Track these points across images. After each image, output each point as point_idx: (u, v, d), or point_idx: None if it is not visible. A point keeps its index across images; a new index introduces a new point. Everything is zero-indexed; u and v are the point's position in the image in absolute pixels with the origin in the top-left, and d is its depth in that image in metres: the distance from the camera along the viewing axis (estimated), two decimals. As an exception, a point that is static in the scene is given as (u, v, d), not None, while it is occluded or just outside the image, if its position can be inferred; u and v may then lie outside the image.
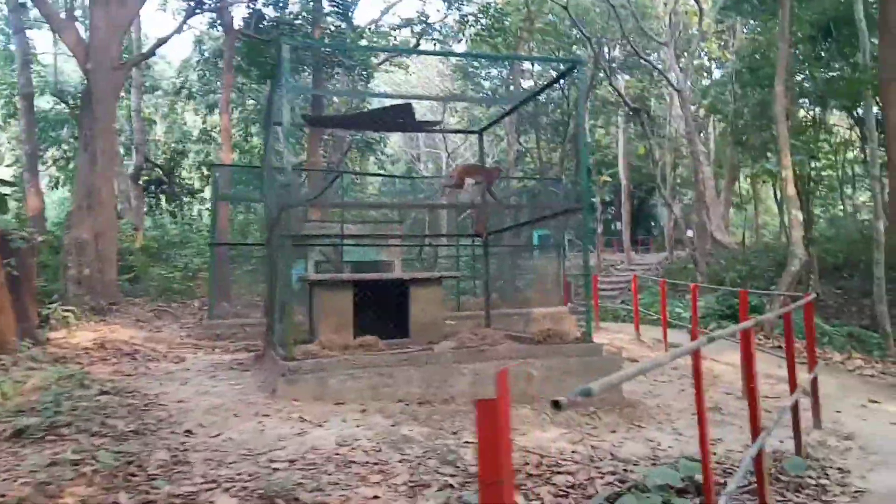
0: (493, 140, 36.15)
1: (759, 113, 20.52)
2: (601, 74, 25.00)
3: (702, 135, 30.62)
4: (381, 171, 23.14)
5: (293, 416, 5.52)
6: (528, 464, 4.85)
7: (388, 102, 8.79)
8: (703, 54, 28.75)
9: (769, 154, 20.09)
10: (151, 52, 15.18)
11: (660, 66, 26.48)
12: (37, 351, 7.51)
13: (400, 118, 8.62)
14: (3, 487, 3.62)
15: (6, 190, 10.10)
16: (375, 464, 4.48)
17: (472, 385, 6.42)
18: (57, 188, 22.70)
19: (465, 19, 19.28)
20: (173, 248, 20.98)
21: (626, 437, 6.12)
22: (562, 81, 25.73)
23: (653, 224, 48.01)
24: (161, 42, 14.56)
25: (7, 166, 21.44)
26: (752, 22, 22.86)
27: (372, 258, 15.56)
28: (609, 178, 38.54)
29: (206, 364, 8.09)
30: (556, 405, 1.70)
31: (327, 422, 5.43)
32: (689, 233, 26.80)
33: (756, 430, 3.56)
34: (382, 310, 8.16)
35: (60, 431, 4.49)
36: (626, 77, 31.54)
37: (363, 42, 18.99)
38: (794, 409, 4.99)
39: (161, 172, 22.99)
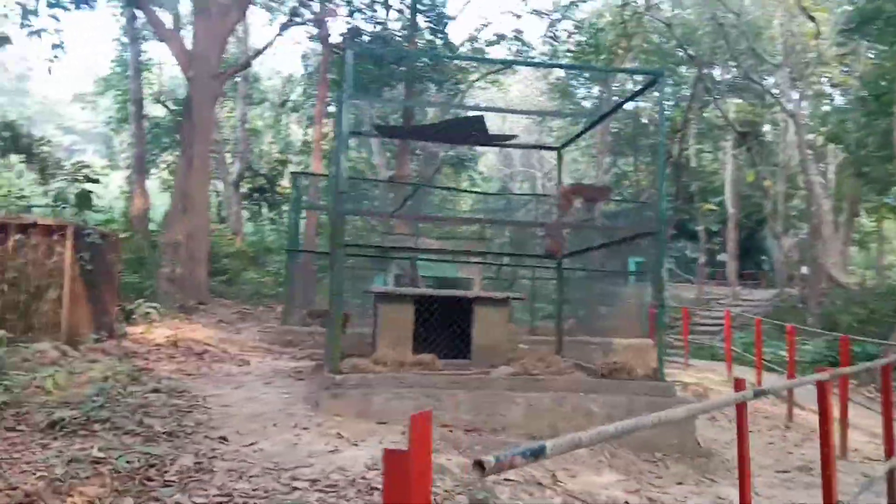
0: (589, 162, 35.32)
1: (885, 143, 18.78)
2: (706, 97, 23.78)
3: (820, 165, 28.53)
4: (468, 189, 22.95)
5: (331, 432, 5.32)
6: (569, 511, 4.40)
7: (492, 120, 8.57)
8: (822, 79, 26.81)
9: (895, 188, 18.34)
10: (248, 63, 15.83)
11: (773, 90, 24.89)
12: (109, 344, 7.77)
13: (472, 131, 8.36)
14: (19, 479, 3.60)
15: (91, 187, 10.71)
16: (400, 493, 4.18)
17: (526, 416, 6.00)
18: (168, 191, 24.14)
19: (557, 35, 18.86)
20: (269, 253, 21.71)
21: (694, 491, 5.50)
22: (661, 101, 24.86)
23: (763, 258, 45.11)
24: (257, 53, 15.15)
25: (122, 168, 23.02)
26: (878, 46, 21.06)
27: (452, 275, 15.37)
28: (715, 207, 36.61)
29: (267, 369, 8.09)
30: (480, 466, 1.34)
31: (364, 441, 5.19)
32: (804, 269, 24.88)
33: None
34: (444, 328, 7.88)
35: (93, 427, 4.49)
36: (737, 101, 29.93)
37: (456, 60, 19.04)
38: (890, 477, 4.26)
39: (264, 180, 23.93)
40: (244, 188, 23.31)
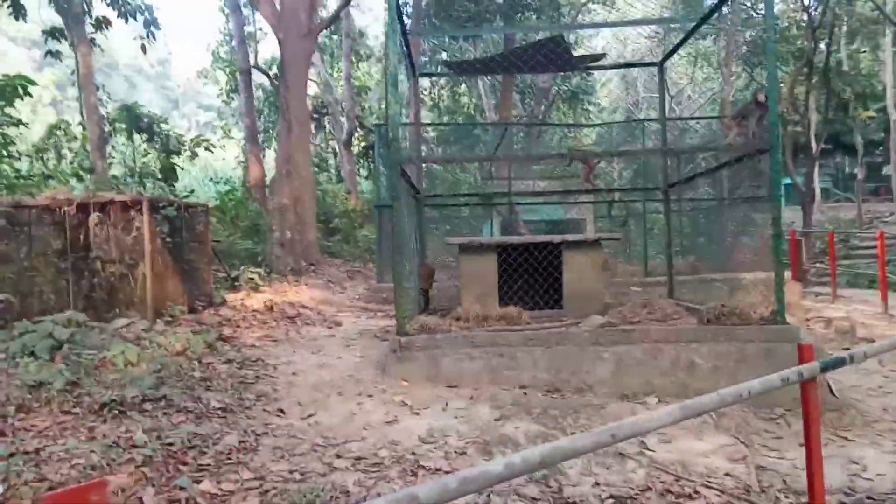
0: (733, 76, 32.03)
1: None
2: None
3: None
4: (573, 122, 21.53)
5: (395, 399, 4.97)
6: (650, 488, 3.75)
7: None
8: None
9: None
10: (336, 16, 15.46)
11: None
12: (206, 314, 7.91)
13: (552, 55, 7.48)
14: (51, 469, 3.54)
15: (176, 160, 10.89)
16: (448, 472, 3.74)
17: (615, 373, 5.32)
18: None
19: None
20: (385, 210, 21.80)
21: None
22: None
23: (942, 166, 39.40)
24: (344, 5, 14.73)
25: (237, 139, 23.94)
26: None
27: (559, 217, 14.50)
28: (874, 114, 32.21)
29: (356, 330, 7.92)
30: None
31: (427, 409, 4.79)
32: None
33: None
34: (533, 277, 7.28)
35: (145, 406, 4.41)
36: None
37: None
38: None
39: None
40: (357, 147, 23.46)
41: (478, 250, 7.18)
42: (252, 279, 10.23)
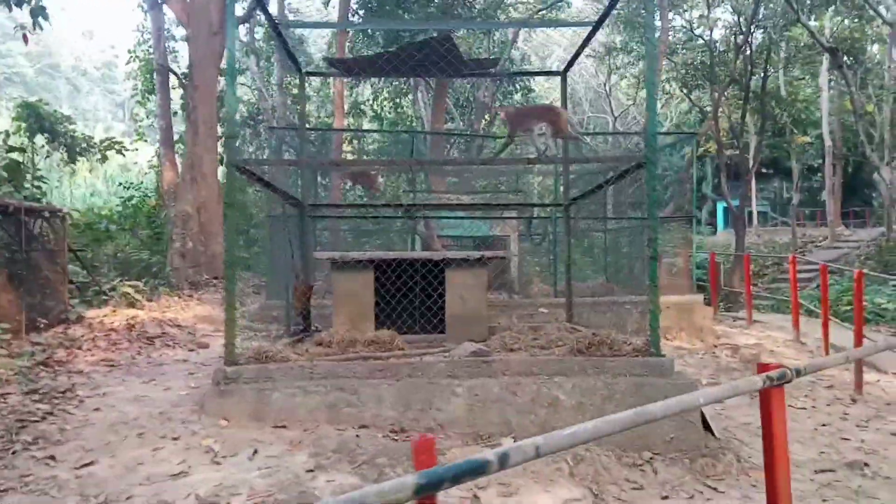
0: (665, 98, 32.26)
1: None
2: (791, 12, 20.66)
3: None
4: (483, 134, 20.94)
5: (202, 444, 4.21)
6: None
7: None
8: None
9: None
10: (250, 14, 14.69)
11: (871, -2, 21.37)
12: (50, 333, 7.02)
13: (440, 56, 6.89)
14: None
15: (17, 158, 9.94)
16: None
17: (470, 410, 4.67)
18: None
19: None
20: (277, 220, 20.92)
21: (681, 509, 4.04)
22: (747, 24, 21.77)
23: (873, 194, 40.45)
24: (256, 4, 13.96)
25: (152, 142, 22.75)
26: None
27: (483, 233, 13.92)
28: (810, 140, 32.83)
29: (220, 354, 7.12)
30: None
31: (235, 456, 4.05)
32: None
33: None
34: (415, 298, 6.64)
35: None
36: (834, 15, 26.07)
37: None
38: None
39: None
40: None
41: (352, 267, 6.50)
42: (127, 293, 9.31)
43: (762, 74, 23.25)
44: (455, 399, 4.69)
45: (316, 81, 27.05)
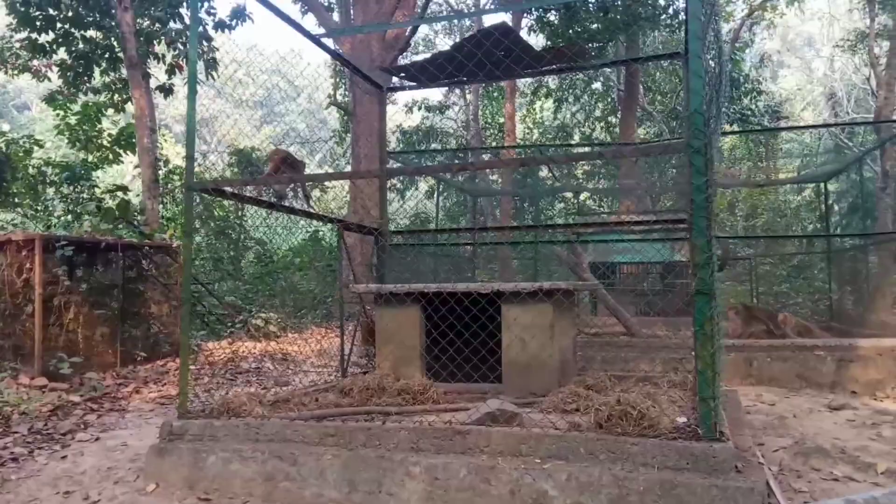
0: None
1: None
2: None
3: None
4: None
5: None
6: None
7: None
8: None
9: None
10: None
11: None
12: (149, 366, 7.19)
13: (507, 50, 5.70)
14: None
15: None
16: None
17: (426, 496, 3.45)
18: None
19: None
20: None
21: None
22: None
23: None
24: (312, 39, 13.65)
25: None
26: None
27: (665, 258, 11.87)
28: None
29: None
30: None
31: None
32: None
33: None
34: (471, 339, 5.48)
35: None
36: None
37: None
38: None
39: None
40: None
41: (395, 302, 5.59)
42: (258, 325, 9.44)
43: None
44: (410, 483, 3.50)
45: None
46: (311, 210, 6.51)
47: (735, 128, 19.75)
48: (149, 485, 3.93)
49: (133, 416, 5.61)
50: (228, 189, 4.87)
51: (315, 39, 5.94)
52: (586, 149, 19.10)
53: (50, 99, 15.04)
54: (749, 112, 20.90)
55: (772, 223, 21.55)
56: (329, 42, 13.34)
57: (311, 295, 12.86)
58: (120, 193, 11.02)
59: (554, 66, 6.14)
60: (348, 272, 7.34)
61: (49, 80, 15.40)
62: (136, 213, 10.77)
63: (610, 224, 9.92)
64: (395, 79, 7.13)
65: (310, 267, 14.36)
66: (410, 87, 7.17)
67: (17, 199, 13.00)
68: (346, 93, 16.26)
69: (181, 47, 12.79)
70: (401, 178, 20.33)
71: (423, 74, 6.36)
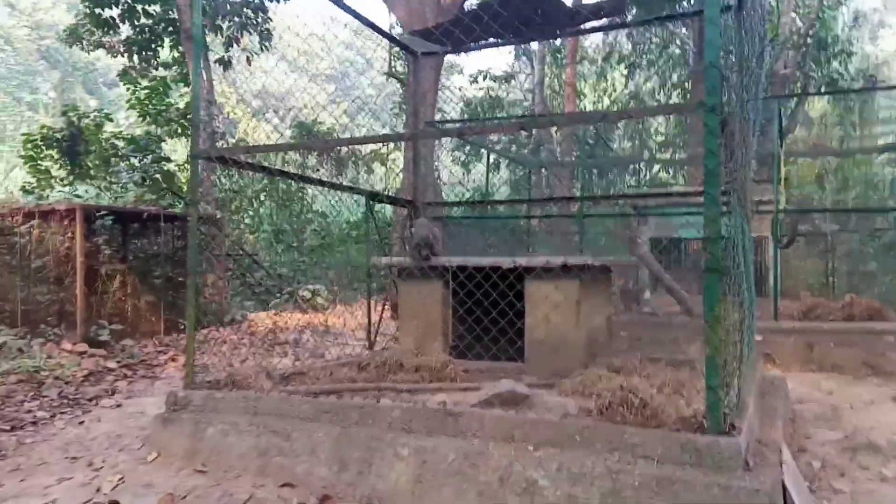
0: None
1: None
2: None
3: None
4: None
5: (103, 488, 3.63)
6: None
7: None
8: None
9: None
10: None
11: None
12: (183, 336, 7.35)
13: (536, 7, 5.34)
14: None
15: None
16: None
17: (417, 482, 3.28)
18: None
19: None
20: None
21: None
22: None
23: None
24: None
25: None
26: None
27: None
28: None
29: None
30: None
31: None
32: None
33: None
34: (497, 318, 5.24)
35: None
36: None
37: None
38: None
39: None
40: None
41: (418, 276, 5.43)
42: (305, 297, 9.50)
43: None
44: (398, 464, 3.34)
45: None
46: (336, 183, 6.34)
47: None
48: (151, 454, 3.94)
49: (162, 384, 5.72)
50: (242, 157, 4.77)
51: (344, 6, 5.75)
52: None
53: (123, 74, 15.61)
54: (839, 76, 19.36)
55: (864, 197, 20.07)
56: (383, 7, 13.14)
57: (365, 268, 12.87)
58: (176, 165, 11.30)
59: (590, 26, 5.71)
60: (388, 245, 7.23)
61: (122, 55, 15.93)
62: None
63: (671, 195, 9.37)
64: (427, 43, 6.86)
65: (367, 240, 14.38)
66: (445, 52, 6.92)
67: (92, 172, 13.59)
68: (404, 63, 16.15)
69: (236, 19, 12.92)
70: (466, 150, 20.18)
71: (449, 37, 6.08)
